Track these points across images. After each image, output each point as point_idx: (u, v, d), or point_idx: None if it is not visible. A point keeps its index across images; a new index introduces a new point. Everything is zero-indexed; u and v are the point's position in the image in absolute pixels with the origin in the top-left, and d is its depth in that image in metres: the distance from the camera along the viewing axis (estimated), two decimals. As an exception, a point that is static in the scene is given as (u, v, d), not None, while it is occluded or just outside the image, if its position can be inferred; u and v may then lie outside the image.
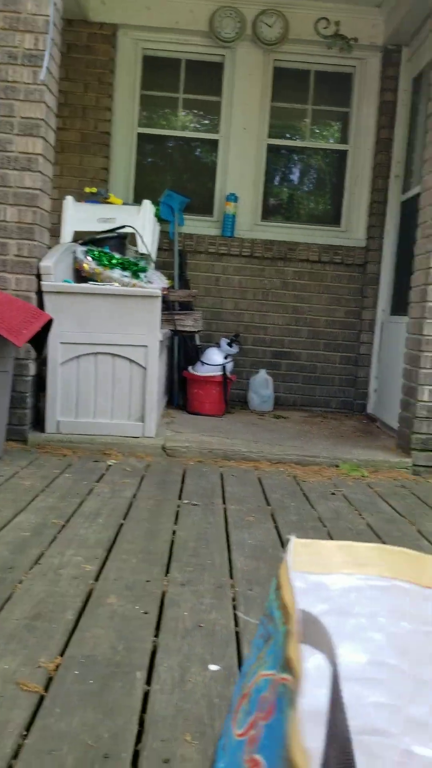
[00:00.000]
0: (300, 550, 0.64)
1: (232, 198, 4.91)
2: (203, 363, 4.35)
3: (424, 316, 3.42)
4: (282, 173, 5.27)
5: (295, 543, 0.65)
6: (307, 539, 0.66)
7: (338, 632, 0.64)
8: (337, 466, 3.38)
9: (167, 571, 1.89)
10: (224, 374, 4.31)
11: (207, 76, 5.04)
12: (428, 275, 3.41)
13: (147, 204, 4.15)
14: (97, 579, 1.80)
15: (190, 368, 4.42)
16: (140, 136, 5.09)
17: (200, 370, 4.34)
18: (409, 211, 4.47)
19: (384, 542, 2.28)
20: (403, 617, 0.64)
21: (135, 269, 3.76)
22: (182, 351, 4.61)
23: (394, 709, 0.63)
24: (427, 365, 3.41)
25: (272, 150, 5.10)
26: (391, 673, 0.64)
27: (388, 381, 4.60)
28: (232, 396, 4.61)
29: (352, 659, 0.64)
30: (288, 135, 5.15)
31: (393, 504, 2.81)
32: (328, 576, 0.65)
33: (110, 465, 3.10)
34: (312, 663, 0.64)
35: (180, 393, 4.55)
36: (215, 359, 4.35)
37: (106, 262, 3.69)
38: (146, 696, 1.26)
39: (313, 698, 0.64)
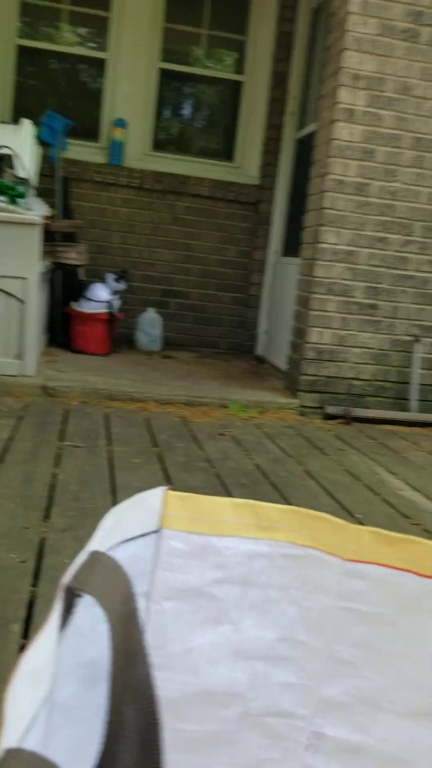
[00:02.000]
0: (176, 504, 0.54)
1: (121, 123, 4.61)
2: (88, 299, 4.13)
3: (315, 257, 3.38)
4: (174, 102, 5.01)
5: (168, 495, 0.54)
6: (186, 493, 0.55)
7: (239, 604, 0.55)
8: (225, 406, 3.33)
9: (47, 517, 1.75)
10: (110, 311, 4.12)
11: (95, -13, 4.64)
12: (321, 216, 3.35)
13: (27, 123, 3.80)
14: (-34, 527, 1.64)
15: (74, 304, 4.18)
16: (20, 49, 4.64)
17: (85, 307, 4.12)
18: (304, 149, 4.39)
19: (272, 482, 2.25)
20: (319, 591, 0.55)
21: (12, 194, 3.46)
22: (66, 286, 4.35)
23: (305, 689, 0.56)
24: (317, 307, 3.39)
25: (165, 75, 4.82)
26: (303, 651, 0.56)
27: (278, 323, 4.58)
28: (118, 335, 4.43)
29: (257, 635, 0.55)
30: (181, 61, 4.88)
31: (280, 444, 2.79)
32: (220, 539, 0.54)
33: (-15, 404, 2.88)
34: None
35: (63, 330, 4.31)
36: (101, 295, 4.14)
37: (-19, 185, 3.37)
38: (22, 650, 1.14)
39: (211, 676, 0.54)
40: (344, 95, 3.25)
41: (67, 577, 0.36)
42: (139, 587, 0.52)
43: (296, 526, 0.55)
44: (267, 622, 0.55)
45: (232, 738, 0.55)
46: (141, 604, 0.52)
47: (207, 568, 0.54)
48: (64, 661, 0.37)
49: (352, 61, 3.24)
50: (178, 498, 0.54)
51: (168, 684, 0.53)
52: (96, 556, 0.38)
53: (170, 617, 0.53)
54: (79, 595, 0.35)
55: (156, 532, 0.53)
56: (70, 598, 0.35)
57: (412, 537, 0.57)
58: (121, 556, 0.49)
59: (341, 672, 0.54)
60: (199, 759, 0.55)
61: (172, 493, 0.54)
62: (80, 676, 0.36)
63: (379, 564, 0.55)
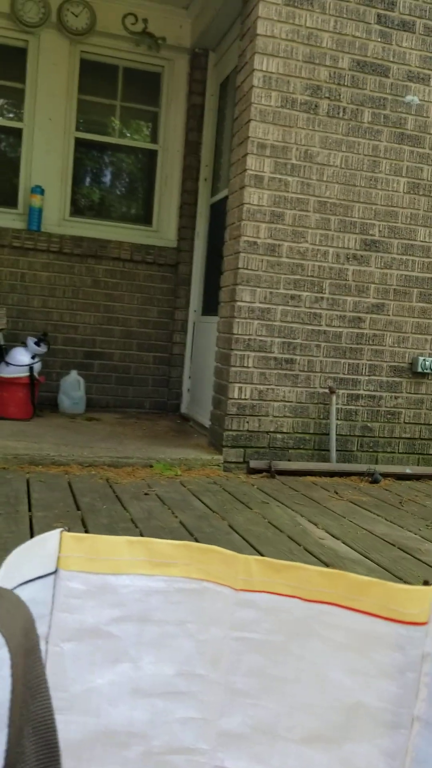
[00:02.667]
0: (72, 545, 0.54)
1: (38, 190, 4.68)
2: (8, 363, 4.09)
3: (233, 315, 3.48)
4: (92, 169, 5.14)
5: (64, 537, 0.55)
6: (82, 533, 0.56)
7: (137, 642, 0.55)
8: (150, 466, 3.33)
9: (-39, 588, 1.69)
10: (31, 375, 4.09)
11: (10, 62, 4.76)
12: (236, 275, 3.47)
13: None
14: None
15: (-6, 369, 4.13)
16: None
17: (5, 371, 4.07)
18: (218, 213, 4.56)
19: (196, 539, 2.25)
20: (214, 623, 0.56)
21: None
22: (-15, 351, 4.30)
23: (205, 723, 0.56)
24: (236, 363, 3.47)
25: (81, 145, 4.95)
26: (202, 685, 0.56)
27: (200, 380, 4.64)
28: (40, 399, 4.39)
29: (156, 671, 0.55)
30: (97, 131, 5.02)
31: (205, 501, 2.80)
32: (117, 577, 0.55)
33: None
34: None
35: (-17, 396, 4.23)
36: (21, 359, 4.11)
37: None
38: None
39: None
40: (252, 162, 3.43)
41: None
42: (39, 628, 0.52)
43: (189, 560, 0.56)
44: (165, 657, 0.56)
45: None
46: (42, 645, 0.52)
47: (105, 606, 0.55)
48: None
49: (258, 131, 3.43)
50: (75, 539, 0.55)
51: (69, 726, 0.53)
52: (1, 592, 0.39)
53: (69, 658, 0.53)
54: None
55: (53, 573, 0.53)
56: None
57: (296, 564, 0.58)
58: (22, 597, 0.50)
59: (238, 702, 0.55)
60: None
61: (68, 534, 0.55)
62: None
63: (267, 592, 0.57)
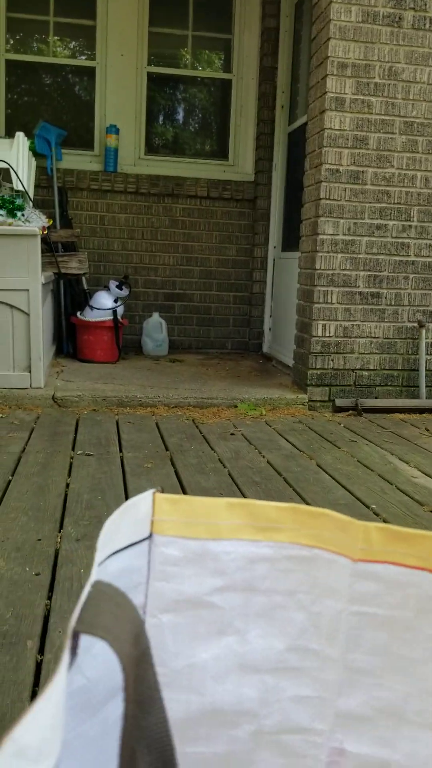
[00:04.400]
0: (167, 508, 0.50)
1: (113, 130, 4.62)
2: (92, 308, 4.14)
3: (315, 249, 3.37)
4: (165, 104, 5.01)
5: (157, 498, 0.50)
6: (176, 495, 0.52)
7: (243, 613, 0.50)
8: (235, 406, 3.32)
9: (60, 528, 1.76)
10: (115, 319, 4.13)
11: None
12: (318, 207, 3.34)
13: (20, 136, 3.81)
14: (-18, 542, 1.64)
15: (78, 314, 4.19)
16: (9, 63, 4.66)
17: (90, 316, 4.13)
18: (297, 142, 4.37)
19: (285, 478, 2.25)
20: (329, 595, 0.51)
21: (11, 207, 3.47)
22: (69, 296, 4.37)
23: (321, 702, 0.52)
24: (320, 299, 3.38)
25: (153, 81, 4.82)
26: (316, 661, 0.51)
27: (282, 319, 4.57)
28: (125, 341, 4.44)
29: (264, 645, 0.51)
30: (169, 64, 4.87)
31: (291, 440, 2.78)
32: (217, 543, 0.51)
33: (-4, 419, 2.89)
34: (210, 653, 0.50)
35: (69, 340, 4.32)
36: (105, 303, 4.14)
37: (-22, 201, 3.38)
38: (39, 667, 1.14)
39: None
40: (332, 84, 3.24)
41: (74, 620, 0.32)
42: (133, 599, 0.49)
43: (297, 524, 0.51)
44: (274, 630, 0.51)
45: (245, 759, 0.52)
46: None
47: (205, 575, 0.50)
48: (73, 699, 0.34)
49: (338, 50, 3.22)
50: (169, 501, 0.50)
51: (171, 704, 0.49)
52: (100, 589, 0.35)
53: (168, 631, 0.49)
54: (82, 636, 0.32)
55: (147, 538, 0.50)
56: (77, 643, 0.32)
57: (424, 532, 0.51)
58: (112, 569, 0.47)
59: (359, 682, 0.51)
60: None
61: (161, 495, 0.50)
62: (76, 704, 0.34)
63: (391, 563, 0.51)
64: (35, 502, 1.93)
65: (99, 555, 0.44)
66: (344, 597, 0.50)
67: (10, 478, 2.14)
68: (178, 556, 0.50)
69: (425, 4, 3.25)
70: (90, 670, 0.34)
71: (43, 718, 0.27)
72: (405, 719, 0.51)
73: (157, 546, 0.50)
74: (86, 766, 0.33)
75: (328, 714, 0.52)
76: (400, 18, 3.24)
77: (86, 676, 0.33)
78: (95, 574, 0.39)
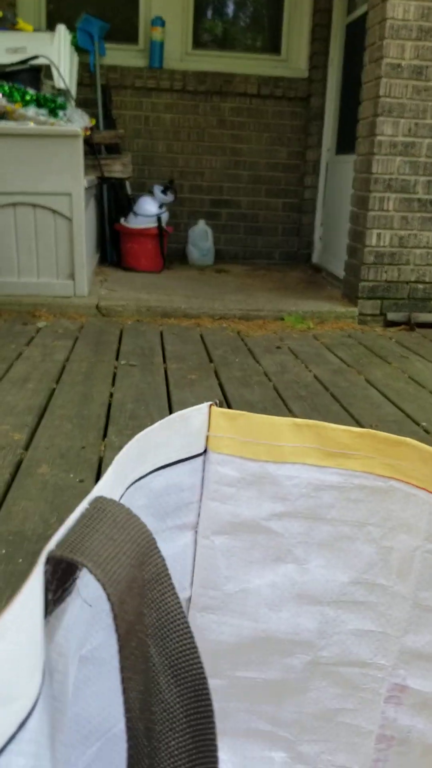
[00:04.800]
0: (224, 424, 0.45)
1: (159, 22, 4.33)
2: (136, 214, 4.01)
3: (372, 151, 3.16)
4: (214, -7, 4.66)
5: (214, 412, 0.45)
6: (235, 411, 0.46)
7: (305, 542, 0.46)
8: (282, 319, 3.23)
9: (104, 436, 1.75)
10: (160, 226, 4.00)
11: None
12: (377, 105, 3.11)
13: (62, 30, 3.61)
14: (27, 448, 1.64)
15: (122, 220, 4.08)
16: None
17: (133, 222, 4.01)
18: (355, 34, 4.04)
19: (332, 393, 2.18)
20: (404, 530, 0.46)
21: (52, 106, 3.32)
22: (113, 201, 4.24)
23: (385, 637, 0.48)
24: (375, 206, 3.19)
25: (202, -37, 4.47)
26: (384, 597, 0.47)
27: (334, 228, 4.37)
28: (169, 250, 4.33)
29: (327, 577, 0.47)
30: None
31: (340, 354, 2.70)
32: (278, 466, 0.46)
33: (40, 327, 2.87)
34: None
35: (113, 248, 4.23)
36: (149, 209, 4.02)
37: (19, 98, 3.24)
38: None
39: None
40: (400, -35, 2.93)
41: (55, 539, 0.28)
42: (182, 518, 0.45)
43: (373, 452, 0.46)
44: (339, 562, 0.47)
45: (299, 687, 0.50)
46: (187, 537, 0.46)
47: (264, 499, 0.46)
48: (85, 614, 0.31)
49: None
50: (227, 416, 0.45)
51: (222, 628, 0.47)
52: (100, 506, 0.31)
53: (221, 554, 0.46)
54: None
55: (202, 454, 0.45)
56: (61, 567, 0.29)
57: None
58: (156, 485, 0.43)
59: (430, 620, 0.47)
60: (263, 707, 0.50)
61: (218, 410, 0.45)
62: (107, 626, 0.31)
63: None
64: (79, 411, 1.91)
65: (120, 471, 0.39)
66: (421, 534, 0.45)
67: (55, 386, 2.13)
68: (235, 476, 0.45)
69: None
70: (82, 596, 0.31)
71: (13, 654, 0.24)
72: None
73: (212, 464, 0.45)
74: (107, 659, 0.30)
75: (392, 650, 0.48)
76: None
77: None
78: (102, 488, 0.34)
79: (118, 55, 4.41)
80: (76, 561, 0.27)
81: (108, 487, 0.35)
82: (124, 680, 0.27)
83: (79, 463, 1.58)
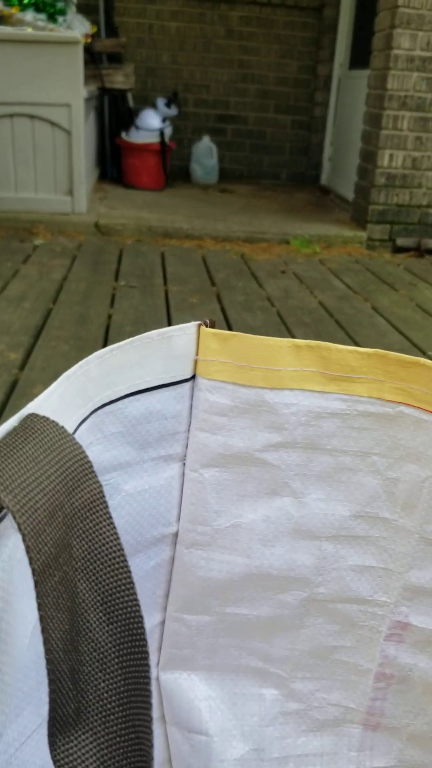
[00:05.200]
0: (215, 346, 0.40)
1: None
2: (138, 128, 3.84)
3: (387, 66, 2.99)
4: None
5: (203, 333, 0.40)
6: (227, 331, 0.41)
7: (302, 473, 0.43)
8: (287, 242, 3.14)
9: (102, 359, 1.70)
10: (162, 141, 3.84)
11: None
12: (394, 15, 2.91)
13: None
14: (22, 368, 1.61)
15: (123, 134, 3.91)
16: None
17: (135, 137, 3.85)
18: None
19: (336, 320, 2.13)
20: (412, 459, 0.42)
21: (51, 11, 3.12)
22: (114, 114, 4.05)
23: (387, 573, 0.45)
24: (389, 125, 3.05)
25: None
26: (387, 531, 0.44)
27: (344, 147, 4.20)
28: (172, 167, 4.17)
29: (325, 510, 0.44)
30: None
31: (346, 280, 2.63)
32: (276, 393, 0.41)
33: (37, 245, 2.79)
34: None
35: (113, 164, 4.08)
36: (152, 123, 3.84)
37: (16, 2, 3.04)
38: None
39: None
40: None
41: None
42: (166, 449, 0.41)
43: (382, 374, 0.41)
44: (339, 495, 0.44)
45: (293, 623, 0.47)
46: (173, 470, 0.42)
47: (259, 428, 0.42)
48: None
49: None
50: (218, 338, 0.40)
51: (211, 564, 0.44)
52: (28, 424, 0.27)
53: (211, 487, 0.43)
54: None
55: (189, 380, 0.41)
56: None
57: None
58: (133, 411, 0.38)
59: None
60: (254, 643, 0.47)
61: (208, 330, 0.40)
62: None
63: None
64: (77, 332, 1.87)
65: (98, 391, 0.35)
66: (431, 463, 0.41)
67: (52, 306, 2.07)
68: (227, 404, 0.41)
69: None
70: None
71: None
72: None
73: (201, 391, 0.40)
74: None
75: (395, 587, 0.45)
76: None
77: None
78: (40, 407, 0.30)
79: None
80: None
81: (52, 406, 0.31)
82: (42, 619, 0.24)
83: (76, 385, 1.54)
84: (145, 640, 0.28)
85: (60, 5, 3.17)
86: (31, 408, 0.29)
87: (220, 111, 4.47)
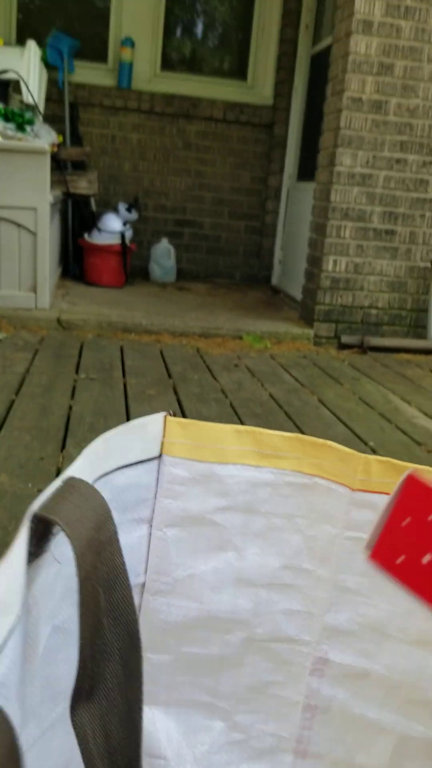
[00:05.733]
0: (177, 431, 0.52)
1: (129, 43, 4.43)
2: (100, 230, 4.07)
3: (331, 181, 3.28)
4: (183, 18, 4.78)
5: (168, 421, 0.53)
6: (186, 419, 0.54)
7: (243, 532, 0.54)
8: (240, 337, 3.32)
9: (63, 448, 1.78)
10: (123, 242, 4.07)
11: None
12: (337, 136, 3.24)
13: (32, 45, 3.66)
14: (-15, 458, 1.67)
15: (86, 236, 4.13)
16: (21, -37, 4.43)
17: (97, 238, 4.06)
18: (320, 66, 4.20)
19: (286, 412, 2.26)
20: (325, 520, 0.54)
21: (20, 121, 3.36)
22: (77, 217, 4.29)
23: (309, 616, 0.56)
24: (333, 234, 3.31)
25: (173, -11, 4.58)
26: (308, 580, 0.55)
27: (293, 251, 4.50)
28: (132, 267, 4.39)
29: (261, 562, 0.55)
30: (190, -28, 4.62)
31: (295, 374, 2.79)
32: (222, 466, 0.53)
33: (0, 339, 2.89)
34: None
35: (76, 263, 4.28)
36: (113, 226, 4.07)
37: (-13, 112, 3.28)
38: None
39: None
40: (360, 5, 3.08)
41: (36, 504, 0.36)
42: (139, 513, 0.52)
43: (300, 453, 0.53)
44: (271, 550, 0.55)
45: (236, 661, 0.56)
46: (142, 530, 0.52)
47: (210, 495, 0.53)
48: (59, 586, 0.38)
49: (370, -33, 3.05)
50: (179, 424, 0.53)
51: (171, 609, 0.54)
52: (71, 483, 0.38)
53: (172, 544, 0.53)
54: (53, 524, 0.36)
55: (157, 458, 0.52)
56: (40, 527, 0.35)
57: (420, 467, 0.54)
58: (118, 482, 0.49)
59: (347, 600, 0.54)
60: (204, 680, 0.56)
61: (172, 419, 0.53)
62: (75, 602, 0.37)
63: (387, 494, 0.53)
64: (38, 423, 1.95)
65: (87, 462, 0.46)
66: (340, 523, 0.53)
67: (14, 397, 2.15)
68: (185, 476, 0.52)
69: None
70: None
71: (6, 583, 0.31)
72: (387, 635, 0.55)
73: (166, 466, 0.52)
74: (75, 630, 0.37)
75: (316, 627, 0.55)
76: None
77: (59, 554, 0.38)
78: (72, 472, 0.42)
79: (87, 74, 4.48)
80: (52, 520, 0.34)
81: (77, 472, 0.42)
82: (81, 614, 0.34)
83: (38, 474, 1.61)
84: (139, 641, 0.38)
85: (28, 116, 3.42)
86: (68, 473, 0.41)
87: (178, 216, 4.76)
